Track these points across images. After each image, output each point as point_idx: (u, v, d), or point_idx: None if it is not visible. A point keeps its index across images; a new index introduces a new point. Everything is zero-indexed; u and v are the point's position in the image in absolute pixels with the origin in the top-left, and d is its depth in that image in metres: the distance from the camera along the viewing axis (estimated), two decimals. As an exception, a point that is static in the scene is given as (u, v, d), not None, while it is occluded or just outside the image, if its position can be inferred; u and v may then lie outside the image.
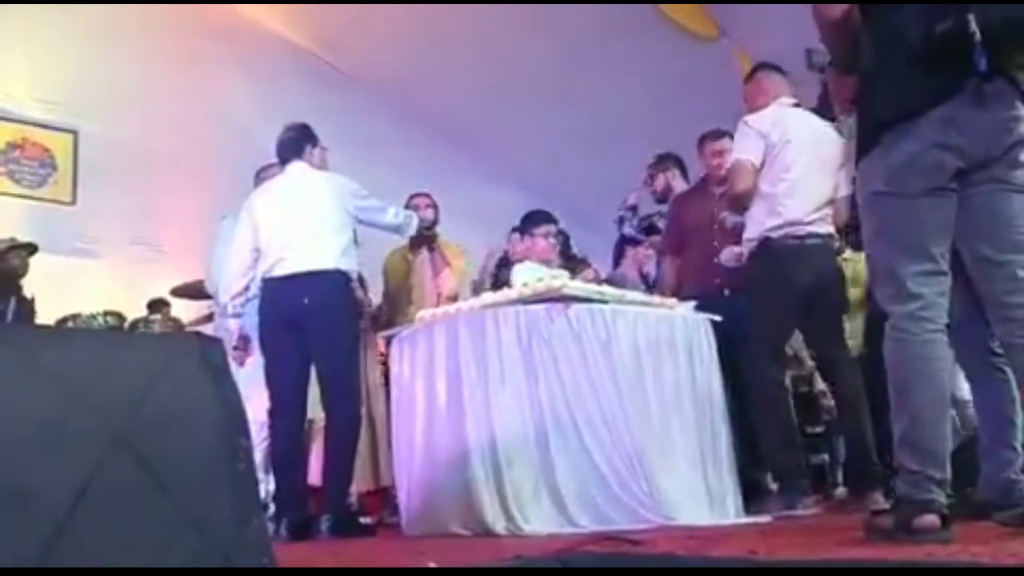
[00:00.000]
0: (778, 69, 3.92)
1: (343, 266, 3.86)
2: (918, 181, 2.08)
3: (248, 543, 1.50)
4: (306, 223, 3.87)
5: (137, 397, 1.43)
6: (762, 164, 3.66)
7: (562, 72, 7.23)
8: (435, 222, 4.95)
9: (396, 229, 4.31)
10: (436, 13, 6.90)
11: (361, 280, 4.83)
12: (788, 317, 3.67)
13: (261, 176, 4.54)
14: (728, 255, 3.95)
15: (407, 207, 4.82)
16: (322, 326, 3.73)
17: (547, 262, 4.13)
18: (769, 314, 3.63)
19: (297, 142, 4.10)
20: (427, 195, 5.04)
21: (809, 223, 3.65)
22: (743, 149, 3.71)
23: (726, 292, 4.00)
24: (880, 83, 2.16)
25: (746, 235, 3.72)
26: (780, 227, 3.62)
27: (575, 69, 7.21)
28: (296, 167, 4.06)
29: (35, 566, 1.23)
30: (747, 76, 4.02)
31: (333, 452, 3.82)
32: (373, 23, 7.25)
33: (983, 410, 2.44)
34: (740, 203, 3.76)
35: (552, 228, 4.35)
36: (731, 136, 4.04)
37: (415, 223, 4.38)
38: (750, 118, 3.75)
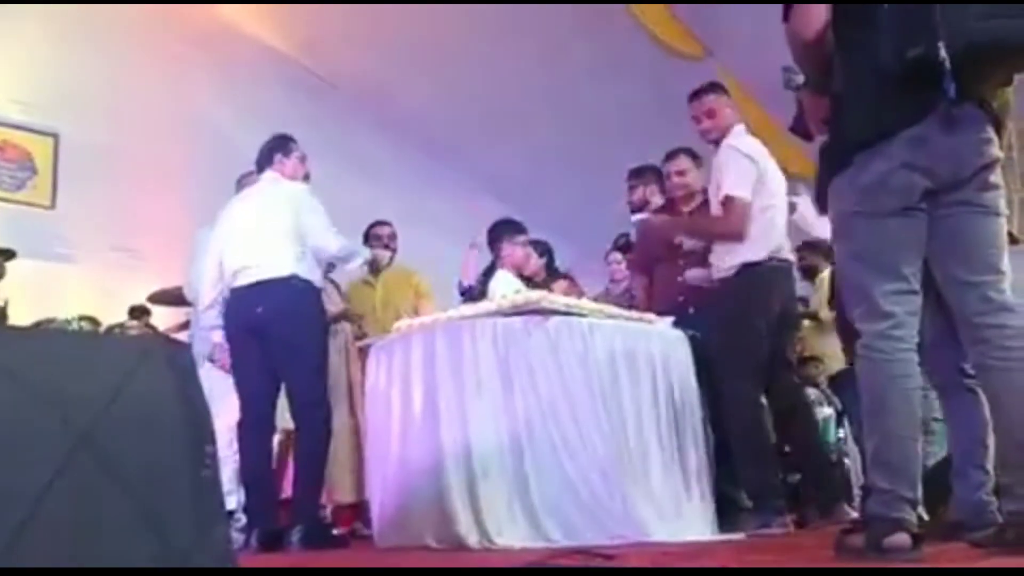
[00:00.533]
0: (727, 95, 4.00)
1: (301, 272, 3.77)
2: (888, 201, 2.10)
3: (210, 549, 1.48)
4: (262, 231, 3.83)
5: (102, 399, 1.41)
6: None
7: (544, 85, 7.26)
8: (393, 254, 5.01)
9: (336, 260, 4.07)
10: (418, 21, 6.92)
11: (337, 288, 4.82)
12: (765, 337, 3.70)
13: (242, 183, 4.53)
14: (694, 274, 3.98)
15: (368, 233, 4.91)
16: (281, 334, 3.69)
17: (521, 270, 4.14)
18: (751, 333, 3.66)
19: (269, 151, 4.09)
20: (389, 224, 5.07)
21: (781, 247, 3.77)
22: (740, 185, 3.68)
23: (691, 310, 4.01)
24: (852, 104, 2.18)
25: (734, 259, 3.72)
26: (765, 252, 3.68)
27: (558, 82, 7.24)
28: (266, 176, 4.05)
29: (-8, 566, 1.21)
30: (712, 87, 4.00)
31: (301, 463, 3.80)
32: (354, 30, 7.25)
33: (955, 431, 2.45)
34: (738, 240, 3.71)
35: (525, 238, 4.36)
36: (687, 154, 4.17)
37: (359, 261, 4.23)
38: (740, 144, 3.78)
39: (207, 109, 7.27)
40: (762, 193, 3.72)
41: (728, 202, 3.68)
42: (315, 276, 3.88)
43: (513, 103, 7.52)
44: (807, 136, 2.46)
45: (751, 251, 3.69)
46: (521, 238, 4.34)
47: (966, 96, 2.01)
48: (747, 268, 3.68)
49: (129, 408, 1.44)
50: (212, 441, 1.61)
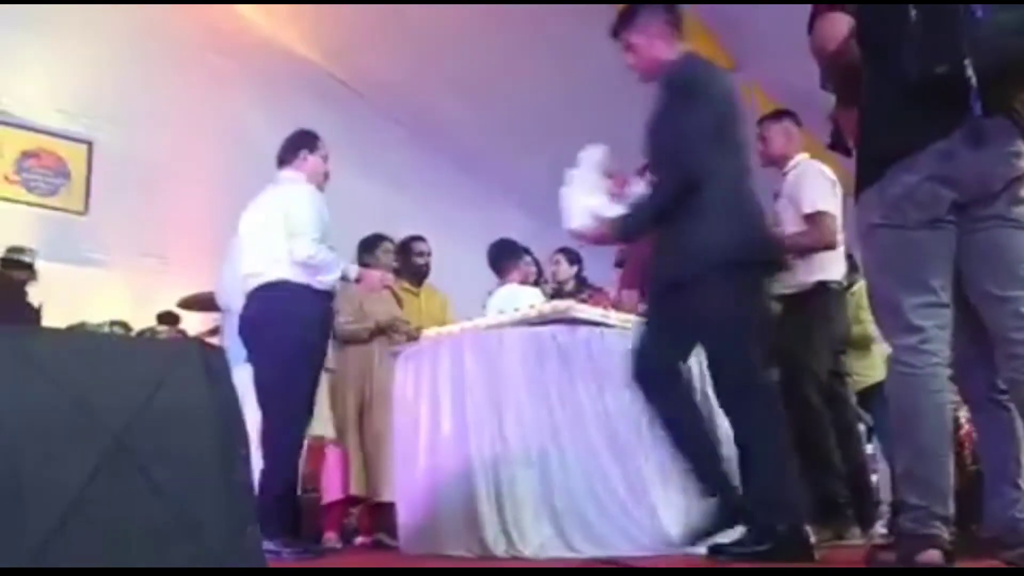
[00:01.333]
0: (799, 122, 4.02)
1: (290, 276, 3.58)
2: (915, 213, 2.08)
3: (243, 550, 1.49)
4: (261, 235, 3.71)
5: (137, 401, 1.43)
6: None
7: (569, 96, 7.25)
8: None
9: (305, 267, 3.66)
10: (446, 32, 6.95)
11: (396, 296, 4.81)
12: (831, 355, 3.78)
13: None
14: None
15: (405, 247, 4.91)
16: (257, 338, 3.58)
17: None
18: (821, 350, 3.71)
19: (294, 146, 3.92)
20: (425, 240, 5.07)
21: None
22: (827, 200, 3.73)
23: None
24: (879, 118, 2.18)
25: (811, 276, 3.71)
26: (838, 272, 3.76)
27: (583, 94, 7.22)
28: (284, 175, 3.89)
29: (30, 564, 1.23)
30: (773, 115, 4.05)
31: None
32: (383, 41, 7.31)
33: (987, 447, 2.42)
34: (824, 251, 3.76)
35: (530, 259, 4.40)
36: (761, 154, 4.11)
37: (335, 274, 3.72)
38: (825, 169, 3.82)
39: (239, 118, 7.35)
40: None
41: (819, 216, 3.70)
42: (304, 277, 3.62)
43: (538, 114, 7.52)
44: (846, 152, 2.45)
45: (825, 269, 3.72)
46: (528, 259, 4.34)
47: (994, 110, 2.00)
48: (824, 287, 3.70)
49: (164, 410, 1.46)
50: (245, 444, 1.63)
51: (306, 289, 3.60)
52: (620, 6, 5.77)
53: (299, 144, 3.92)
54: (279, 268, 3.59)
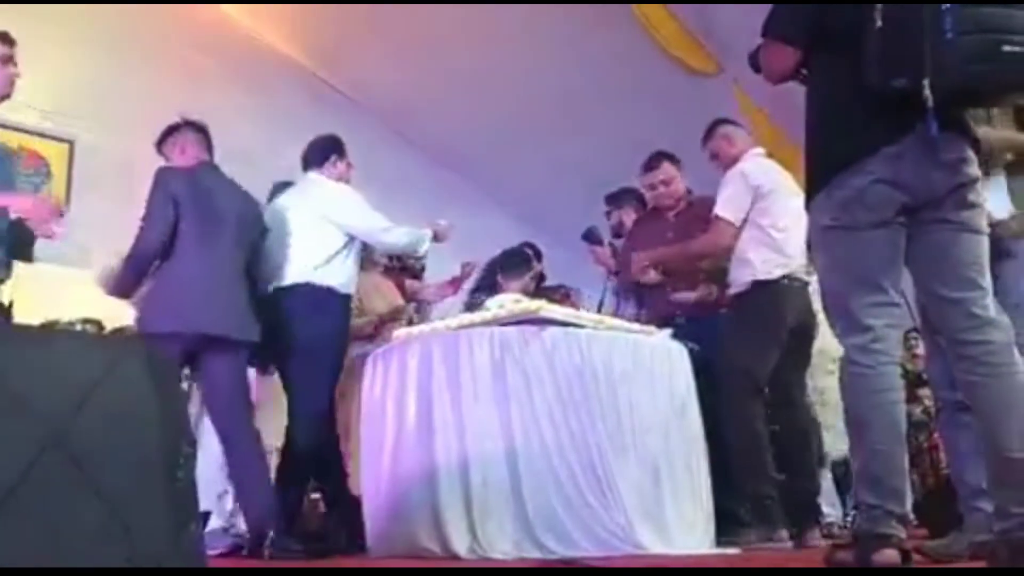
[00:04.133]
0: (736, 124, 4.13)
1: (314, 279, 3.72)
2: (865, 215, 2.11)
3: (181, 551, 1.48)
4: (294, 238, 3.83)
5: (77, 398, 1.41)
6: (748, 213, 3.77)
7: (561, 102, 7.27)
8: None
9: (403, 249, 4.17)
10: (439, 38, 6.95)
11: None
12: (774, 354, 3.73)
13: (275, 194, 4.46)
14: (681, 296, 4.11)
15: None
16: (282, 340, 3.67)
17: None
18: (757, 349, 3.70)
19: (324, 151, 4.05)
20: None
21: (798, 266, 3.80)
22: (728, 208, 3.78)
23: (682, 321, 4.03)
24: (830, 121, 2.21)
25: (745, 276, 3.75)
26: (782, 269, 3.74)
27: (575, 100, 7.24)
28: (309, 178, 4.01)
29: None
30: (708, 131, 4.10)
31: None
32: (373, 43, 7.30)
33: (958, 461, 2.45)
34: (714, 257, 3.90)
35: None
36: (669, 159, 4.24)
37: (423, 246, 4.07)
38: (745, 168, 3.86)
39: (225, 119, 7.26)
40: (769, 213, 3.77)
41: (714, 221, 3.81)
42: (337, 280, 3.78)
43: (532, 120, 7.54)
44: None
45: (762, 270, 3.74)
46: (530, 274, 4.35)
47: (947, 127, 2.02)
48: (759, 286, 3.71)
49: (104, 407, 1.44)
50: (190, 442, 1.61)
51: (328, 292, 3.74)
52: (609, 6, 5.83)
53: (329, 149, 4.05)
54: (303, 270, 3.73)
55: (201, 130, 3.92)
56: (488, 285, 4.27)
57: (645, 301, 4.40)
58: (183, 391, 1.65)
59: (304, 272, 3.74)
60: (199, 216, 3.53)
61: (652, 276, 4.08)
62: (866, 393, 2.09)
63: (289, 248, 3.80)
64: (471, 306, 4.12)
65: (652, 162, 4.33)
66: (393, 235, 3.91)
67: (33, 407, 1.36)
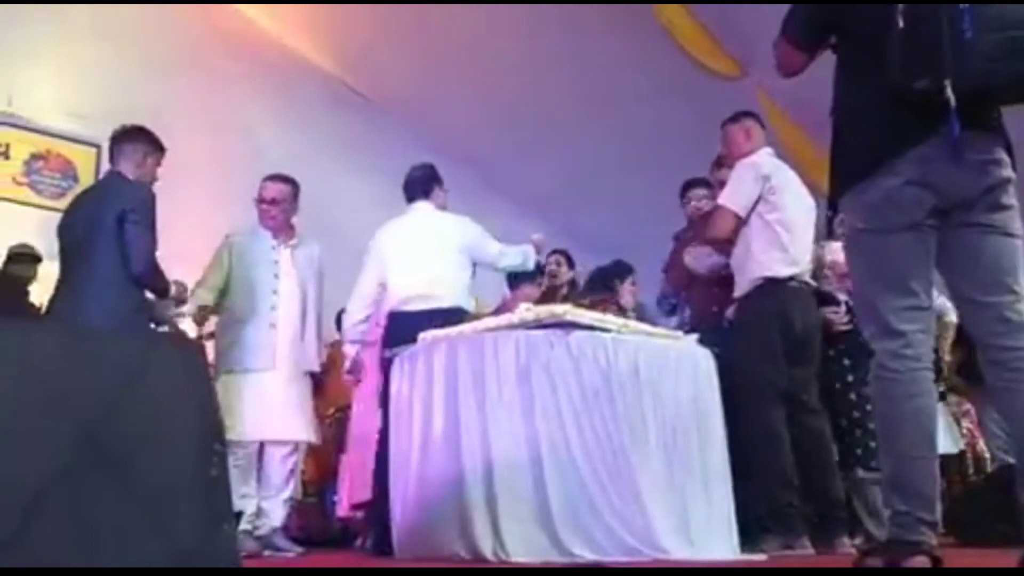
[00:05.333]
0: (762, 124, 4.10)
1: (464, 304, 4.03)
2: (896, 217, 2.09)
3: (215, 548, 1.49)
4: (434, 264, 4.09)
5: (110, 396, 1.43)
6: (756, 205, 3.74)
7: (582, 104, 7.26)
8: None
9: (515, 269, 4.47)
10: (459, 40, 6.97)
11: None
12: (783, 358, 3.72)
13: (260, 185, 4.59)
14: (694, 261, 4.17)
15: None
16: None
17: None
18: (772, 353, 3.68)
19: (426, 181, 4.34)
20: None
21: (805, 270, 3.80)
22: (733, 197, 3.78)
23: (725, 324, 4.01)
24: (858, 126, 2.19)
25: (751, 274, 3.72)
26: (788, 269, 3.71)
27: (596, 101, 7.23)
28: (421, 207, 4.29)
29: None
30: (733, 117, 4.07)
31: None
32: (394, 48, 7.34)
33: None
34: (713, 245, 3.92)
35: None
36: (721, 157, 4.19)
37: (532, 262, 4.43)
38: (755, 159, 3.82)
39: (248, 123, 7.39)
40: (778, 208, 3.75)
41: (716, 209, 3.86)
42: (471, 305, 4.15)
43: (551, 122, 7.53)
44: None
45: (769, 267, 3.71)
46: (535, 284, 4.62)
47: (973, 125, 2.00)
48: (764, 288, 3.69)
49: (139, 407, 1.45)
50: (222, 441, 1.63)
51: (467, 314, 4.00)
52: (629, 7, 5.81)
53: (431, 179, 4.38)
54: (454, 297, 4.03)
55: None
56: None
57: (690, 308, 4.40)
58: (215, 390, 1.66)
59: (456, 297, 4.05)
60: None
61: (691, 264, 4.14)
62: (897, 399, 2.07)
63: (427, 274, 4.07)
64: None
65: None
66: (508, 259, 4.31)
67: (70, 406, 1.38)
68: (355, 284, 4.32)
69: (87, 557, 1.32)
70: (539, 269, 4.68)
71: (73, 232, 3.71)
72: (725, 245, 3.83)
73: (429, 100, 7.86)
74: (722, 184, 4.29)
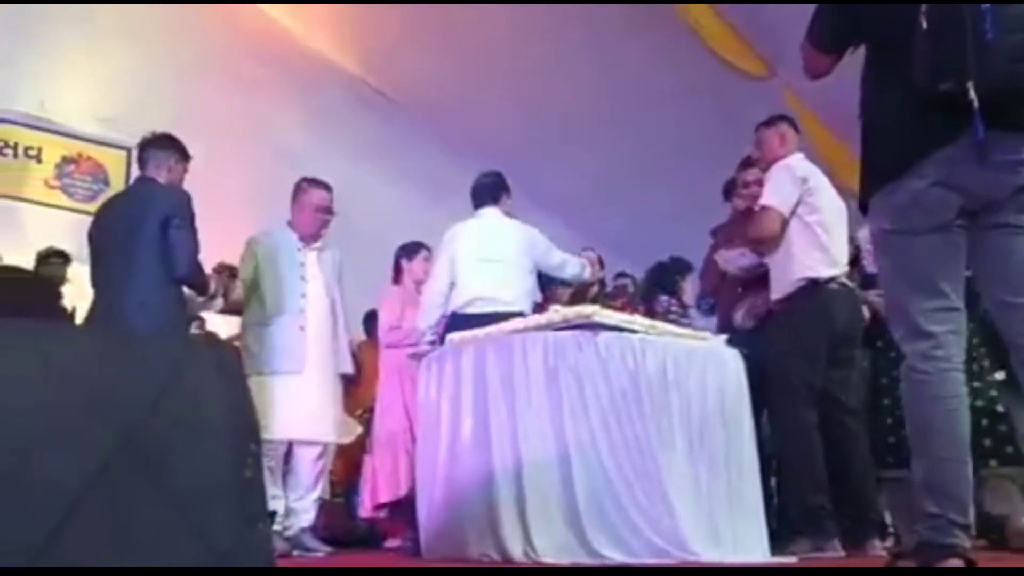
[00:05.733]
0: (797, 129, 4.06)
1: (526, 309, 4.07)
2: (923, 219, 2.08)
3: (250, 548, 1.51)
4: (499, 268, 4.15)
5: (148, 398, 1.44)
6: (796, 206, 3.71)
7: (608, 105, 7.26)
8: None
9: (573, 279, 4.55)
10: (483, 41, 6.99)
11: None
12: (822, 361, 3.69)
13: (300, 187, 4.62)
14: (728, 257, 4.14)
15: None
16: None
17: None
18: (809, 355, 3.65)
19: (495, 188, 4.44)
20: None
21: (844, 271, 3.77)
22: (775, 195, 3.75)
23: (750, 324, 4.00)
24: (885, 124, 2.18)
25: (793, 275, 3.71)
26: (829, 270, 3.69)
27: (621, 102, 7.23)
28: (490, 212, 4.38)
29: (31, 563, 1.23)
30: (768, 121, 4.04)
31: None
32: (418, 49, 7.37)
33: None
34: (760, 246, 3.85)
35: None
36: (756, 160, 4.13)
37: (587, 273, 4.53)
38: (791, 162, 3.81)
39: (275, 125, 7.45)
40: (816, 210, 3.73)
41: (761, 210, 3.79)
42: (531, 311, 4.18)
43: (578, 123, 7.53)
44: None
45: (812, 268, 3.69)
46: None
47: (998, 126, 1.98)
48: (807, 289, 3.66)
49: (173, 408, 1.47)
50: (256, 441, 1.64)
51: None
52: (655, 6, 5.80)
53: (500, 187, 4.48)
54: (522, 301, 4.11)
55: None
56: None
57: (719, 309, 4.40)
58: (249, 392, 1.68)
59: (519, 301, 4.10)
60: None
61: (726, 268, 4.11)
62: (928, 400, 2.06)
63: (493, 277, 4.14)
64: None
65: (750, 159, 4.29)
66: (569, 268, 4.42)
67: (107, 408, 1.39)
68: (426, 287, 4.45)
69: (125, 557, 1.34)
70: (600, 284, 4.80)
71: (109, 236, 3.80)
72: (770, 245, 3.78)
73: (453, 102, 7.88)
74: (747, 185, 4.29)
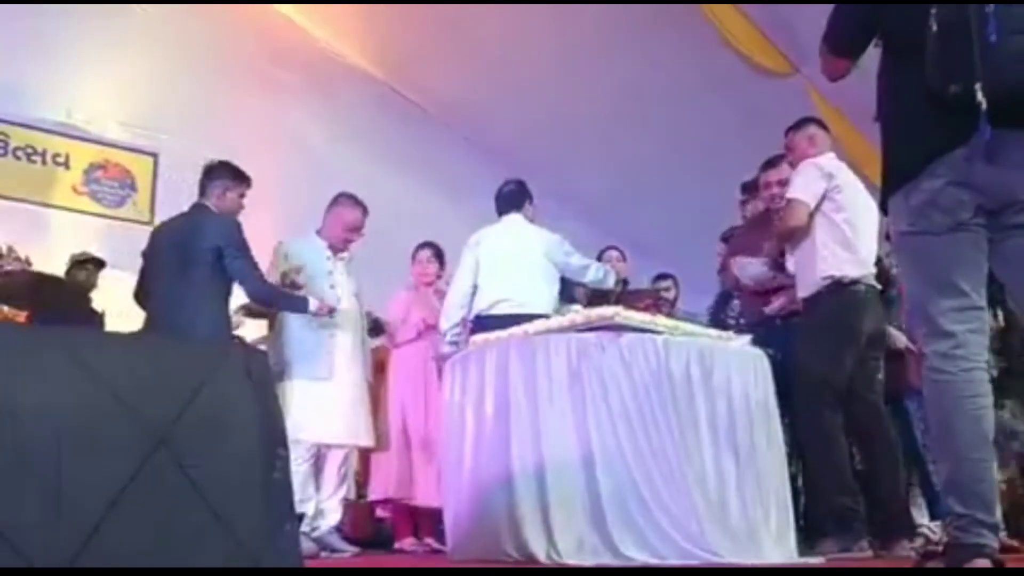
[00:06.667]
0: (826, 129, 4.06)
1: (548, 311, 4.07)
2: (940, 219, 2.08)
3: (279, 549, 1.53)
4: (523, 272, 4.24)
5: (179, 402, 1.47)
6: (821, 203, 3.71)
7: (629, 104, 7.24)
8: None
9: (595, 284, 4.56)
10: (506, 45, 7.00)
11: None
12: (849, 362, 3.67)
13: (338, 200, 4.70)
14: (749, 271, 4.10)
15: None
16: None
17: None
18: (834, 357, 3.64)
19: (518, 196, 4.54)
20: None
21: (871, 272, 3.75)
22: (802, 190, 3.74)
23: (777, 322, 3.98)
24: (902, 125, 2.19)
25: (818, 273, 3.69)
26: (856, 271, 3.68)
27: (644, 100, 7.21)
28: (514, 219, 4.47)
29: (68, 564, 1.26)
30: (797, 124, 4.03)
31: None
32: (441, 52, 7.39)
33: None
34: (788, 239, 3.84)
35: None
36: (790, 163, 4.09)
37: (612, 279, 4.55)
38: (819, 160, 3.81)
39: (300, 130, 7.51)
40: (843, 208, 3.72)
41: (788, 203, 3.79)
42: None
43: (599, 123, 7.52)
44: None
45: (837, 266, 3.67)
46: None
47: (1015, 124, 1.98)
48: (834, 290, 3.64)
49: (206, 412, 1.50)
50: (284, 444, 1.67)
51: None
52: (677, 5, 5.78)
53: (524, 194, 4.58)
54: (544, 304, 4.18)
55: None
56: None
57: (741, 307, 4.39)
58: (277, 396, 1.71)
59: (542, 304, 4.17)
60: None
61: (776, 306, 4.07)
62: (951, 400, 2.06)
63: (516, 280, 4.24)
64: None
65: (773, 160, 4.26)
66: (591, 274, 4.47)
67: (141, 411, 1.42)
68: (449, 288, 4.53)
69: (160, 557, 1.37)
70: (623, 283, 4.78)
71: (164, 257, 4.07)
72: (797, 237, 3.76)
73: (476, 104, 7.90)
74: (768, 186, 4.28)
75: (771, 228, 4.13)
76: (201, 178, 4.28)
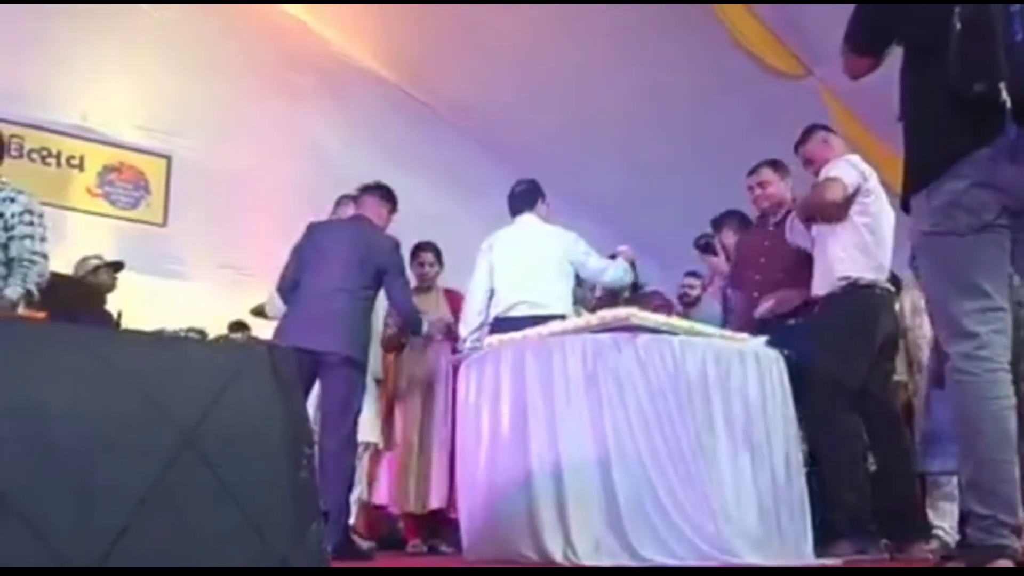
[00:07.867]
0: (833, 132, 4.06)
1: (567, 312, 4.12)
2: (965, 219, 2.07)
3: (306, 548, 1.54)
4: (538, 272, 4.24)
5: (207, 402, 1.48)
6: (853, 197, 3.68)
7: (644, 105, 7.23)
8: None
9: (615, 283, 4.60)
10: (518, 46, 7.01)
11: None
12: (864, 364, 3.66)
13: (340, 202, 4.74)
14: (765, 308, 4.03)
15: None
16: None
17: None
18: (850, 359, 3.63)
19: (531, 195, 4.53)
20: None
21: (886, 277, 3.74)
22: (843, 173, 3.69)
23: (791, 322, 3.97)
24: (925, 125, 2.18)
25: (833, 273, 3.68)
26: (871, 274, 3.66)
27: (657, 101, 7.20)
28: (528, 219, 4.46)
29: (99, 563, 1.27)
30: (804, 135, 4.02)
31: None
32: (452, 54, 7.41)
33: None
34: (820, 212, 3.75)
35: None
36: (771, 166, 4.15)
37: (630, 277, 4.57)
38: (851, 157, 3.79)
39: (313, 132, 7.54)
40: (868, 212, 3.70)
41: (826, 180, 3.70)
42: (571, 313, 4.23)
43: (611, 124, 7.52)
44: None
45: (851, 267, 3.65)
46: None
47: None
48: (854, 288, 3.63)
49: (233, 411, 1.50)
50: (310, 443, 1.68)
51: None
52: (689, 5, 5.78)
53: (536, 193, 4.56)
54: (562, 305, 4.19)
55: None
56: None
57: (737, 310, 4.40)
58: (303, 395, 1.71)
59: (560, 304, 4.18)
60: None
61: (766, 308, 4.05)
62: (974, 401, 2.05)
63: (533, 281, 4.24)
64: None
65: (754, 167, 4.29)
66: (609, 273, 4.46)
67: (169, 411, 1.43)
68: (466, 297, 4.53)
69: (188, 558, 1.37)
70: (635, 285, 4.80)
71: (325, 255, 4.14)
72: (831, 212, 3.69)
73: (488, 105, 7.91)
74: (751, 189, 4.28)
75: (765, 230, 4.18)
76: (363, 193, 4.40)
